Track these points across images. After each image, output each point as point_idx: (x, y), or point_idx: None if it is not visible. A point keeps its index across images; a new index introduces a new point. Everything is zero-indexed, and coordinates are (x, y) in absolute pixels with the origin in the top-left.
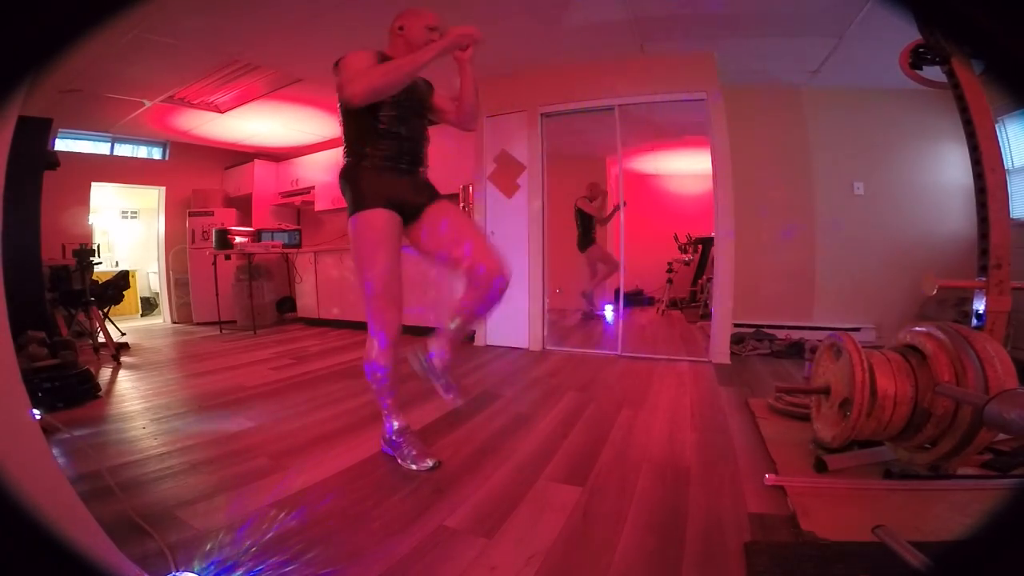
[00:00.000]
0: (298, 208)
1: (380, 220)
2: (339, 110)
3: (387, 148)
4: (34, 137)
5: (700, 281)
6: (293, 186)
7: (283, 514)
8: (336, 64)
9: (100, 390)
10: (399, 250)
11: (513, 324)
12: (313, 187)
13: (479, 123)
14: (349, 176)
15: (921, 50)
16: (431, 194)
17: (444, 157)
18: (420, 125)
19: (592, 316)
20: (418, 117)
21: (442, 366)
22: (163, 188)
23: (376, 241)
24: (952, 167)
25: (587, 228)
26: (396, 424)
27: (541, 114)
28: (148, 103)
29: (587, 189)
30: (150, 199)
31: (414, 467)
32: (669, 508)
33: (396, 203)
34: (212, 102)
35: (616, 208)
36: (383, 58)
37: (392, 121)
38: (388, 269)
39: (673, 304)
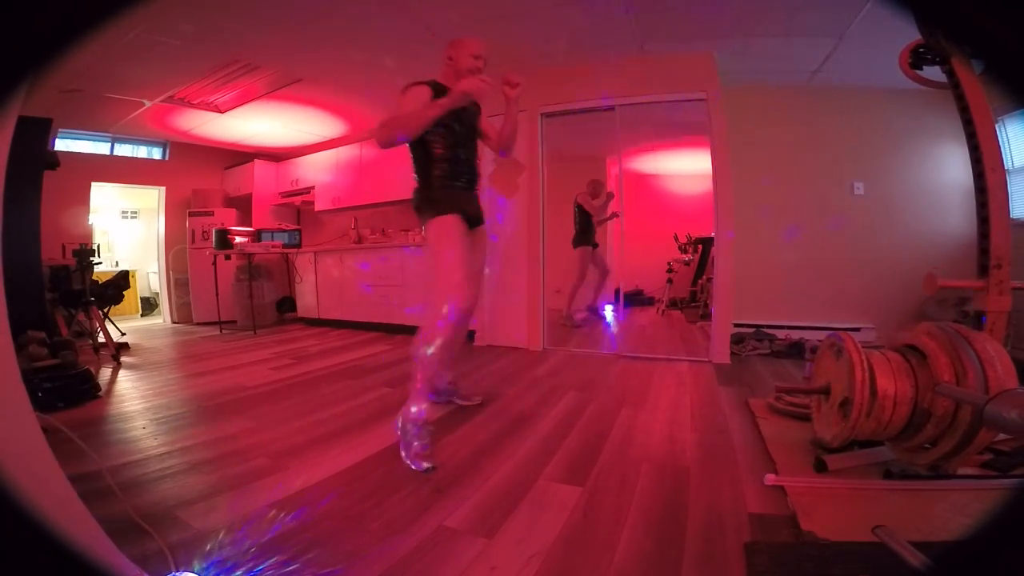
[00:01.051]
0: (298, 208)
1: (454, 222)
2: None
3: (449, 170)
4: (34, 137)
5: (700, 281)
6: (293, 186)
7: (283, 514)
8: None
9: (100, 390)
10: (470, 248)
11: (513, 324)
12: (313, 187)
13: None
14: (422, 193)
15: (921, 50)
16: (481, 215)
17: None
18: (474, 147)
19: (577, 325)
20: (472, 140)
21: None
22: (163, 188)
23: (452, 238)
24: (952, 167)
25: (587, 226)
26: (415, 408)
27: (541, 114)
28: (148, 103)
29: (588, 186)
30: (150, 199)
31: (408, 462)
32: (669, 508)
33: (463, 213)
34: (212, 102)
35: (614, 215)
36: (437, 87)
37: (450, 147)
38: (464, 261)
39: (673, 304)
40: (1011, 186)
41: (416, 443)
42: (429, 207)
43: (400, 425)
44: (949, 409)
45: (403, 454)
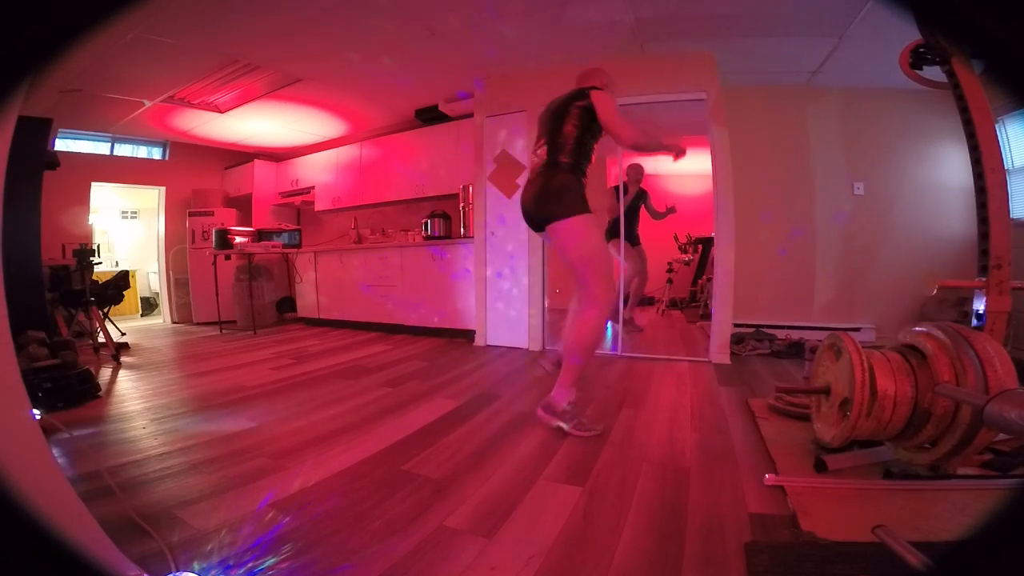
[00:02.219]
0: (298, 208)
1: (596, 221)
2: (575, 127)
3: (588, 171)
4: (34, 137)
5: (700, 281)
6: (293, 186)
7: (283, 514)
8: (590, 89)
9: (100, 390)
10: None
11: (513, 324)
12: (313, 187)
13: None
14: (575, 185)
15: (921, 50)
16: None
17: (444, 157)
18: None
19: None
20: None
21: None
22: (163, 188)
23: (601, 236)
24: (952, 167)
25: (633, 219)
26: (571, 396)
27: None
28: (148, 103)
29: (627, 172)
30: (150, 199)
31: (582, 433)
32: (669, 508)
33: None
34: (212, 102)
35: (668, 211)
36: None
37: (593, 151)
38: (609, 256)
39: (673, 304)
40: (1011, 186)
41: (581, 418)
42: (578, 201)
43: (557, 412)
44: (949, 409)
45: (573, 431)
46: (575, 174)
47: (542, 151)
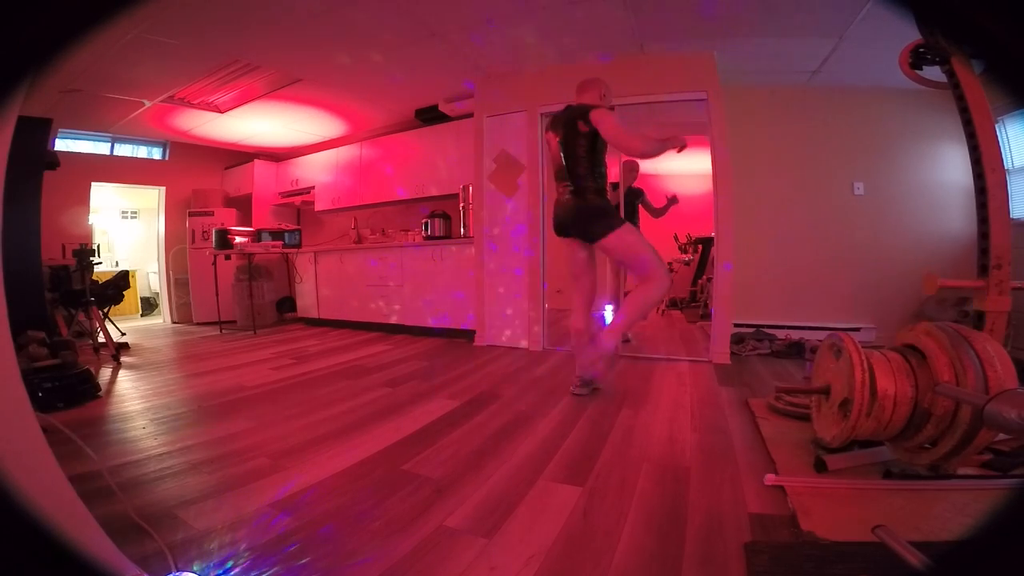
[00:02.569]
0: (298, 208)
1: (632, 227)
2: (585, 152)
3: (606, 186)
4: (34, 137)
5: (700, 281)
6: (293, 186)
7: (283, 514)
8: (590, 109)
9: (100, 390)
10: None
11: (513, 324)
12: (313, 187)
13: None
14: (607, 204)
15: (921, 50)
16: None
17: (444, 157)
18: None
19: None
20: None
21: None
22: (163, 188)
23: (640, 238)
24: (952, 167)
25: (631, 217)
26: (615, 343)
27: (541, 114)
28: (148, 103)
29: (621, 168)
30: (150, 199)
31: (604, 384)
32: (669, 508)
33: None
34: (212, 102)
35: (670, 202)
36: None
37: (604, 163)
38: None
39: (673, 304)
40: (1011, 186)
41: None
42: (616, 216)
43: (603, 352)
44: (949, 409)
45: (600, 375)
46: (600, 194)
47: (565, 182)
